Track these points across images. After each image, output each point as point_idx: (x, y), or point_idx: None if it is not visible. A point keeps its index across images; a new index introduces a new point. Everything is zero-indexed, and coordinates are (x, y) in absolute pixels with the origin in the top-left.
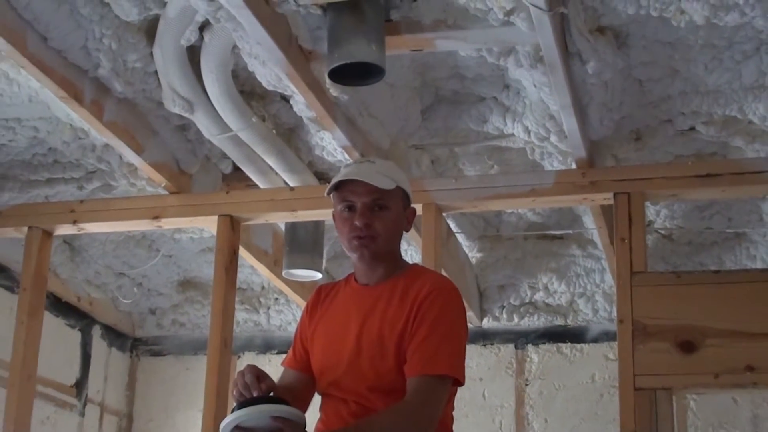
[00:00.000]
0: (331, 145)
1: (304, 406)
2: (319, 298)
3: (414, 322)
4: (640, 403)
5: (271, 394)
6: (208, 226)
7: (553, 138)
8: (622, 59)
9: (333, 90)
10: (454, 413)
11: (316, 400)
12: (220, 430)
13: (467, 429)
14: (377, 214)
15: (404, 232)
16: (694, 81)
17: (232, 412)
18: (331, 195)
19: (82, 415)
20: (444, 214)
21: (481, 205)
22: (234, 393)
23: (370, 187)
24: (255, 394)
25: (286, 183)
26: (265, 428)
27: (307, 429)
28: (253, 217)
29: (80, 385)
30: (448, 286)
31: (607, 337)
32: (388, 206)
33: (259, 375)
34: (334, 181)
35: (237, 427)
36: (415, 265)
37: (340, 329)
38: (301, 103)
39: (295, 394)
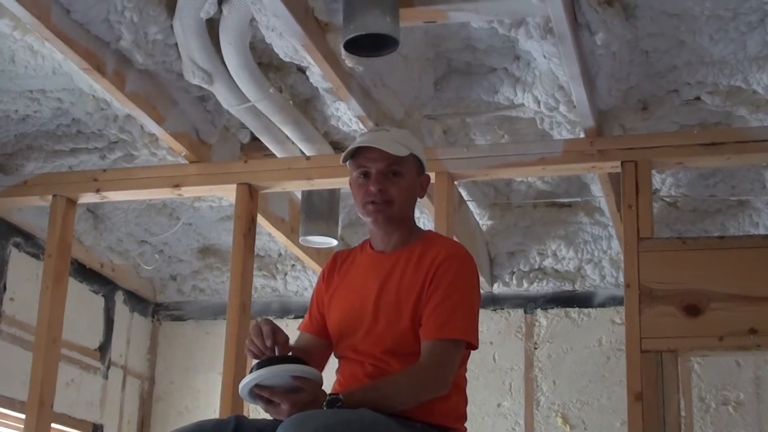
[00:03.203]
0: (346, 116)
1: (320, 369)
2: (335, 264)
3: (429, 287)
4: (646, 365)
5: (290, 353)
6: (226, 194)
7: (562, 108)
8: (629, 30)
9: (348, 61)
10: (466, 375)
11: (332, 363)
12: (240, 388)
13: (478, 390)
14: (392, 180)
15: (418, 198)
16: (700, 52)
17: (251, 371)
18: (347, 163)
19: (106, 377)
20: (456, 182)
21: (491, 173)
22: (246, 342)
23: (384, 154)
24: (268, 344)
25: (302, 152)
26: (284, 387)
27: (324, 389)
28: (271, 185)
29: (104, 349)
30: (462, 253)
31: (613, 302)
32: (402, 173)
33: (273, 327)
34: (350, 148)
35: (257, 385)
36: (429, 231)
37: (358, 295)
38: (317, 74)
39: (310, 356)
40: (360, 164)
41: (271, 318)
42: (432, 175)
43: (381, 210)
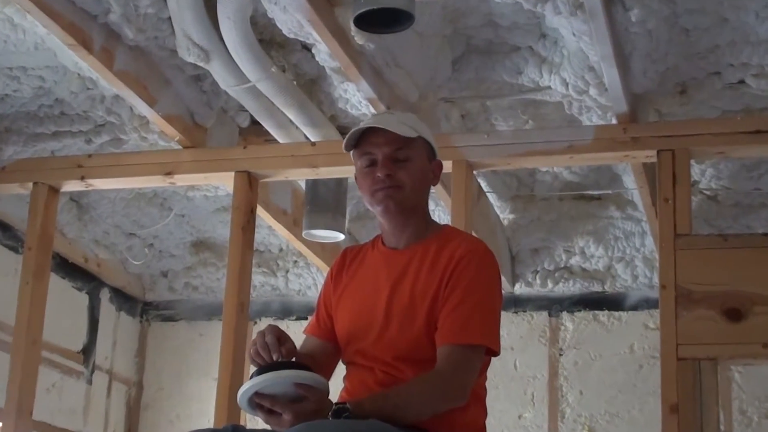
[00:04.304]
0: (355, 98)
1: (326, 376)
2: (344, 261)
3: (446, 287)
4: (682, 374)
5: (293, 359)
6: (223, 183)
7: (592, 91)
8: (667, 6)
9: (358, 38)
10: (485, 384)
11: (340, 370)
12: (238, 396)
13: (498, 401)
14: (400, 164)
15: (431, 186)
16: (745, 30)
17: (251, 378)
18: (351, 153)
19: (90, 382)
20: (475, 172)
21: (514, 162)
22: (251, 352)
23: (390, 136)
24: (275, 357)
25: (307, 138)
26: (286, 396)
27: (330, 398)
28: (272, 173)
29: (87, 351)
30: (482, 249)
31: (647, 304)
32: (411, 157)
33: (280, 336)
34: (351, 133)
35: (256, 393)
36: (446, 226)
37: (369, 295)
38: (324, 53)
39: (316, 362)
40: (365, 151)
41: (275, 324)
42: (449, 164)
43: (391, 196)
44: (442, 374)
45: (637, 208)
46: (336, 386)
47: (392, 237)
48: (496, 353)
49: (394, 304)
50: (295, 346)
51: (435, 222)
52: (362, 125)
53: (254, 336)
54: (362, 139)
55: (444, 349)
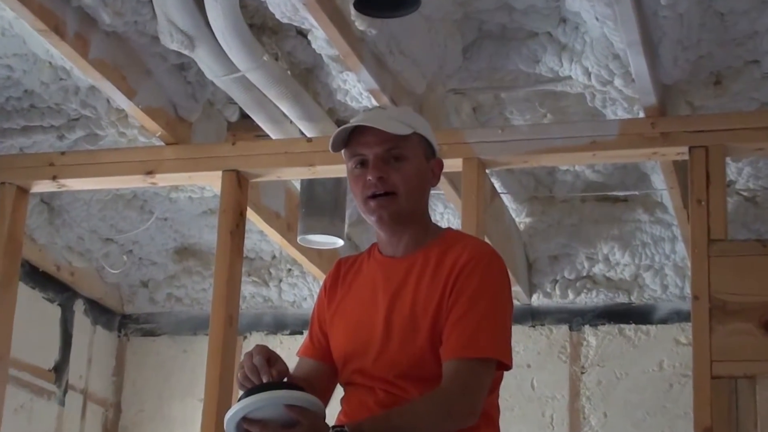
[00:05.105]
0: (355, 89)
1: (324, 401)
2: (338, 273)
3: (450, 296)
4: (717, 393)
5: (285, 380)
6: (210, 183)
7: (617, 81)
8: None
9: (359, 23)
10: (498, 403)
11: (337, 393)
12: (225, 422)
13: (513, 424)
14: (394, 165)
15: (431, 187)
16: None
17: (239, 400)
18: (342, 153)
19: (62, 404)
20: (488, 170)
21: (531, 160)
22: (239, 376)
23: (381, 135)
24: (264, 380)
25: (302, 133)
26: (278, 420)
27: (327, 422)
28: (264, 172)
29: (60, 369)
30: (488, 253)
31: (678, 317)
32: (406, 156)
33: (270, 357)
34: (336, 133)
35: (245, 418)
36: (449, 229)
37: (366, 309)
38: (321, 39)
39: (313, 387)
40: (354, 152)
41: (264, 344)
42: (459, 162)
43: (384, 205)
44: (448, 392)
45: (666, 210)
46: (333, 409)
47: (389, 245)
48: (509, 367)
49: (394, 317)
50: (287, 368)
51: (436, 225)
52: (349, 124)
53: (243, 354)
54: (352, 138)
55: (450, 365)
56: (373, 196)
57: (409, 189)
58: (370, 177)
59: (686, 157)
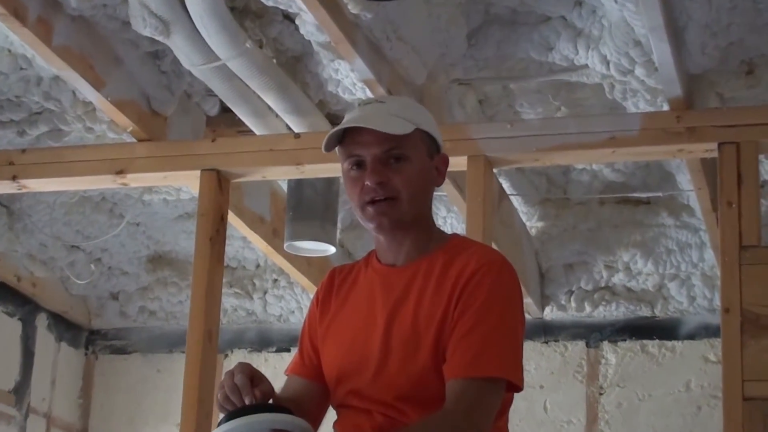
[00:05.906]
0: (348, 79)
1: (314, 425)
2: (332, 284)
3: (456, 309)
4: (749, 416)
5: (270, 401)
6: (187, 183)
7: (639, 71)
8: None
9: (352, 6)
10: (508, 427)
11: (330, 416)
12: None
13: None
14: (394, 167)
15: (435, 187)
16: None
17: (219, 425)
18: (337, 151)
19: (23, 429)
20: (495, 170)
21: (543, 158)
22: (219, 398)
23: (380, 135)
24: (247, 401)
25: (289, 128)
26: None
27: None
28: (247, 172)
29: (20, 391)
30: (498, 262)
31: (706, 332)
32: (408, 156)
33: (254, 376)
34: (331, 132)
35: None
36: (455, 235)
37: (362, 324)
38: (311, 24)
39: (302, 409)
40: (350, 152)
41: (247, 362)
42: (464, 160)
43: (384, 212)
44: (452, 414)
45: (694, 214)
46: None
47: (389, 252)
48: (519, 388)
49: (393, 333)
50: (272, 388)
51: (441, 231)
52: (343, 124)
53: (224, 373)
54: (347, 136)
55: (454, 384)
56: (372, 202)
57: (411, 192)
58: (368, 182)
59: (715, 154)
